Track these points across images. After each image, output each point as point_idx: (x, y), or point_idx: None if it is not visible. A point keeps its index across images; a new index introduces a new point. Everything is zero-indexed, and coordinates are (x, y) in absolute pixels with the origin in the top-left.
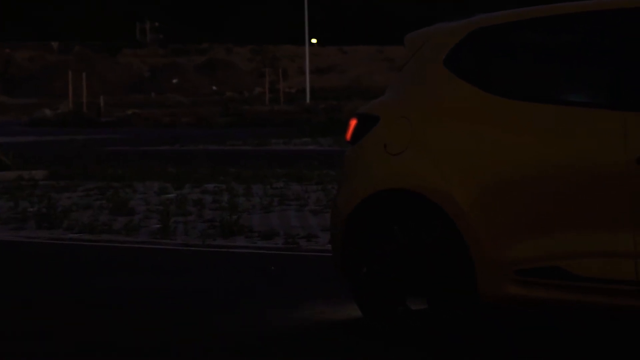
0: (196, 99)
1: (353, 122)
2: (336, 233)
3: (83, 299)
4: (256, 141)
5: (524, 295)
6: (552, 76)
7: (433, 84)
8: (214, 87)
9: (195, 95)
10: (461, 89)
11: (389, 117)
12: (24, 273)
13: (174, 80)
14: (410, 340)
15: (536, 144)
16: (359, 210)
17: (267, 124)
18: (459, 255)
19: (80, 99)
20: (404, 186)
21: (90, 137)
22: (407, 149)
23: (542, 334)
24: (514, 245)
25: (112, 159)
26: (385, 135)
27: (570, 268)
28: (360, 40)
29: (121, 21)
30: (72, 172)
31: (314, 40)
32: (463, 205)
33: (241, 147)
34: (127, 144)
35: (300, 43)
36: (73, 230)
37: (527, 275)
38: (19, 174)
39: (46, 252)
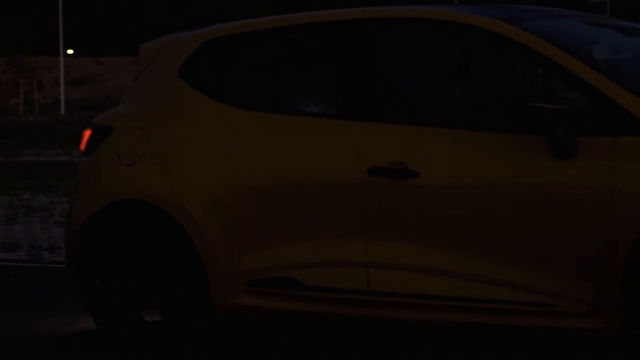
0: None
1: (87, 133)
2: (70, 244)
3: None
4: (7, 152)
5: (256, 306)
6: (286, 87)
7: (167, 95)
8: None
9: None
10: (195, 99)
11: (123, 127)
12: None
13: None
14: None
15: (269, 154)
16: (93, 221)
17: (21, 135)
18: (192, 266)
19: None
20: (137, 197)
21: None
22: (140, 160)
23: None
24: (247, 256)
25: None
26: (119, 145)
27: (303, 278)
28: (116, 51)
29: None
30: None
31: (70, 51)
32: (196, 216)
33: None
34: None
35: (56, 54)
36: None
37: (260, 285)
38: None
39: None
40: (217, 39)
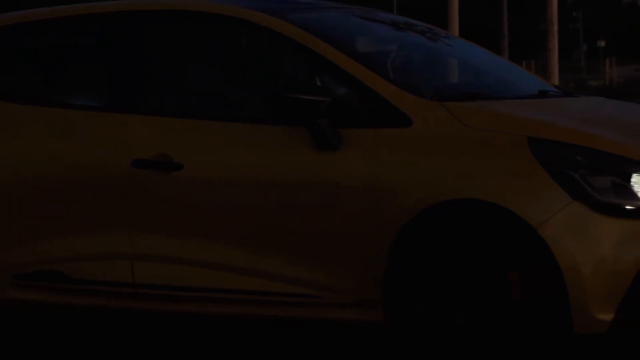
0: None
1: None
2: None
3: None
4: None
5: (23, 299)
6: (55, 79)
7: None
8: None
9: None
10: None
11: None
12: None
13: None
14: None
15: (34, 147)
16: None
17: None
18: None
19: None
20: None
21: None
22: None
23: None
24: (12, 250)
25: None
26: None
27: (70, 271)
28: None
29: None
30: None
31: None
32: None
33: None
34: None
35: None
36: None
37: (26, 279)
38: None
39: None
40: None
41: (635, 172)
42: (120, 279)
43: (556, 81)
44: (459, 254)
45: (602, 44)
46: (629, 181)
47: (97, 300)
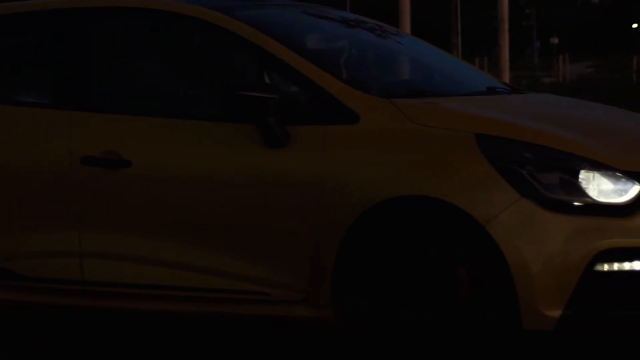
0: None
1: None
2: None
3: None
4: None
5: None
6: (2, 75)
7: None
8: None
9: None
10: None
11: None
12: None
13: None
14: None
15: None
16: None
17: None
18: None
19: None
20: None
21: None
22: None
23: None
24: None
25: None
26: None
27: (17, 269)
28: None
29: None
30: None
31: None
32: None
33: None
34: None
35: None
36: None
37: None
38: None
39: None
40: None
41: (583, 169)
42: (69, 276)
43: (507, 78)
44: (408, 251)
45: (556, 41)
46: (577, 178)
47: (47, 298)
